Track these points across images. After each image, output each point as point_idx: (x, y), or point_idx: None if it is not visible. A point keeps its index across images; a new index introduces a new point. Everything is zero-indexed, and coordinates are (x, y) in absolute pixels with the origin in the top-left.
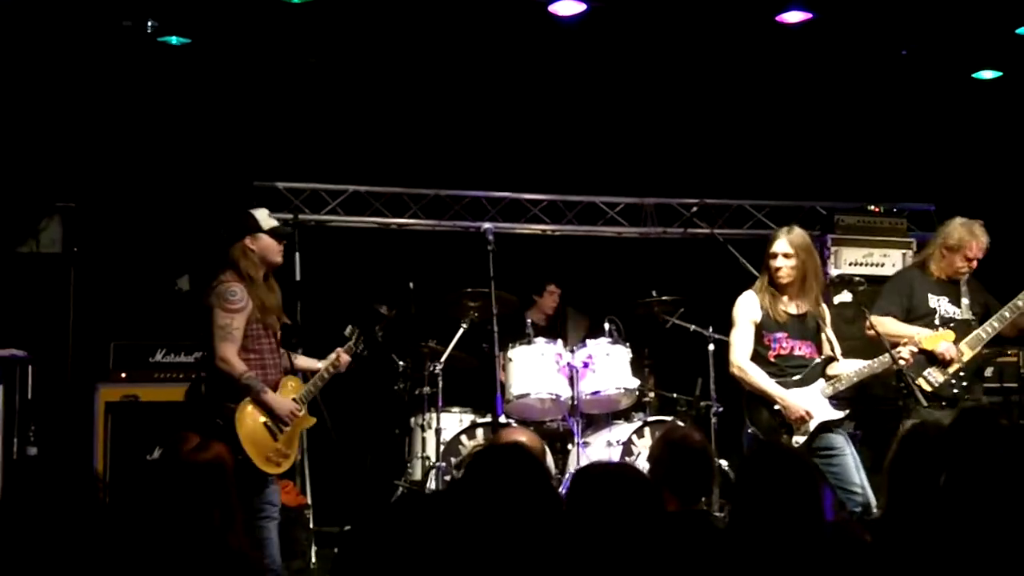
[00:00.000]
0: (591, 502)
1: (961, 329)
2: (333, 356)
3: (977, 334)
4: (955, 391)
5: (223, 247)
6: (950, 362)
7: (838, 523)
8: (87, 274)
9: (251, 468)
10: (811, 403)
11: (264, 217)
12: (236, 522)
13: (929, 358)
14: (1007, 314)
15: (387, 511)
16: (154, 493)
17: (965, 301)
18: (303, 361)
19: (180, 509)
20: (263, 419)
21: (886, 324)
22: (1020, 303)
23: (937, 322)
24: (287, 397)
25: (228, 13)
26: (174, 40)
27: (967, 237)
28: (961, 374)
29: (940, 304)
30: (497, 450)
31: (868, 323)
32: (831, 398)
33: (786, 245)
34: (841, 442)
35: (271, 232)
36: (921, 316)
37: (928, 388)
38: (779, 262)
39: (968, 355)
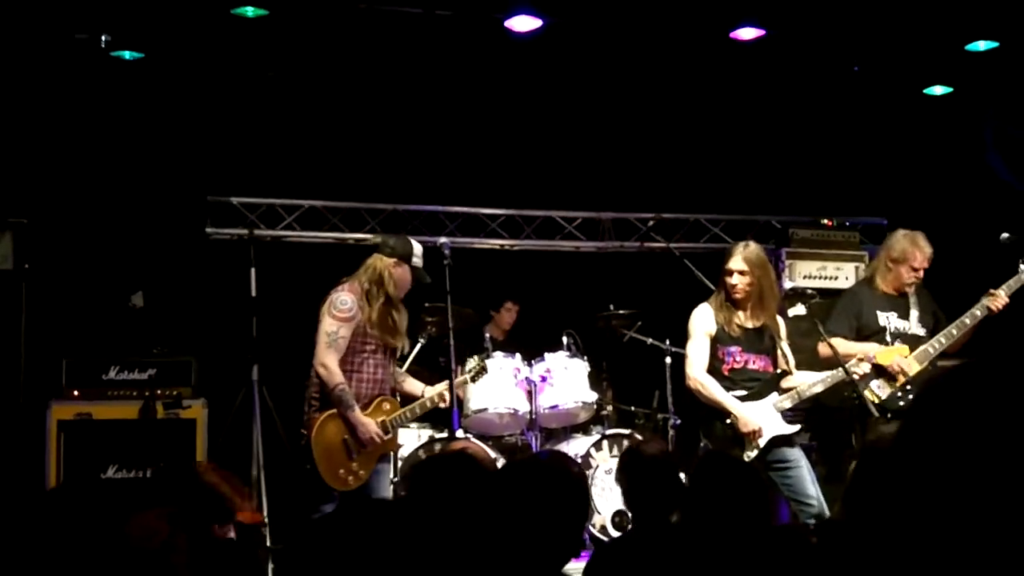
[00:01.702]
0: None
1: (911, 343)
2: (443, 388)
3: (924, 349)
4: (901, 403)
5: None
6: (897, 375)
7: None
8: (39, 290)
9: (317, 480)
10: (764, 417)
11: (418, 254)
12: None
13: (877, 370)
14: (954, 331)
15: (331, 518)
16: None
17: (915, 314)
18: (410, 385)
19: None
20: (344, 435)
21: (835, 346)
22: (967, 320)
23: (888, 339)
24: (377, 418)
25: (182, 27)
26: (128, 54)
27: (910, 248)
28: (908, 387)
29: (890, 320)
30: (439, 460)
31: (821, 343)
32: (784, 411)
33: (741, 262)
34: (795, 455)
35: (415, 270)
36: (873, 333)
37: (875, 400)
38: (735, 279)
39: (915, 369)
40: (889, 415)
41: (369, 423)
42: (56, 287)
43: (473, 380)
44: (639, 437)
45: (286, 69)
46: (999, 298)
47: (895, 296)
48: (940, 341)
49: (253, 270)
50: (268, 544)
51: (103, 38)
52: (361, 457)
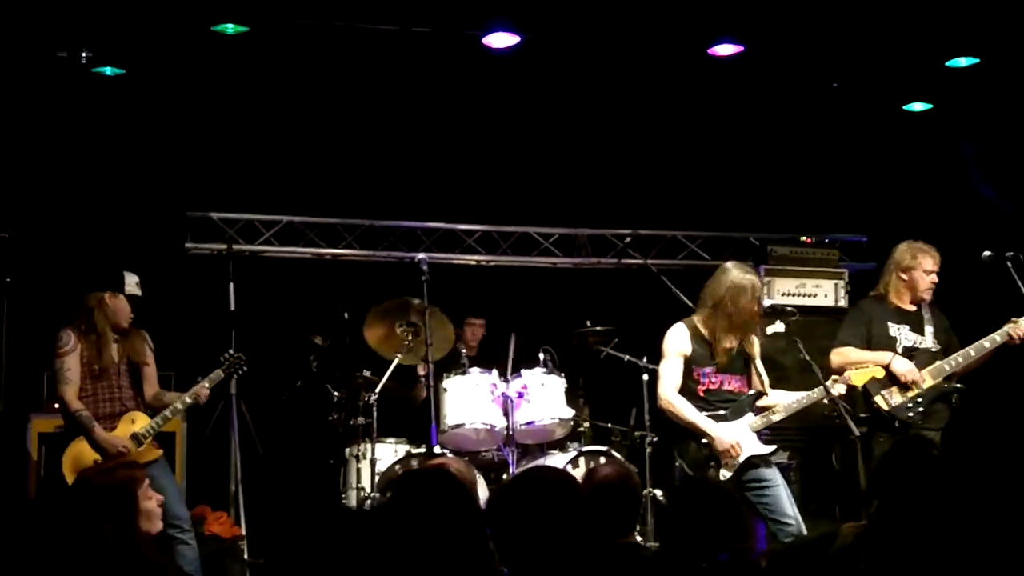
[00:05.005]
0: (515, 512)
1: (924, 358)
2: (195, 388)
3: (940, 365)
4: (910, 415)
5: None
6: (910, 386)
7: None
8: (20, 304)
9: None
10: (740, 437)
11: (131, 283)
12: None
13: (891, 378)
14: (973, 353)
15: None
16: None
17: (930, 329)
18: (170, 398)
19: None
20: (95, 457)
21: (847, 354)
22: (986, 344)
23: (899, 351)
24: (127, 432)
25: (163, 44)
26: (108, 71)
27: (919, 254)
28: (919, 400)
29: (901, 332)
30: (421, 475)
31: (833, 353)
32: (760, 432)
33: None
34: (771, 474)
35: (131, 297)
36: (883, 345)
37: (884, 407)
38: (759, 309)
39: (929, 383)
40: (898, 423)
41: (112, 438)
42: (37, 301)
43: (227, 373)
44: (615, 454)
45: (266, 85)
46: (1020, 328)
47: (909, 311)
48: (957, 360)
49: (232, 285)
50: (246, 557)
51: (84, 54)
52: None
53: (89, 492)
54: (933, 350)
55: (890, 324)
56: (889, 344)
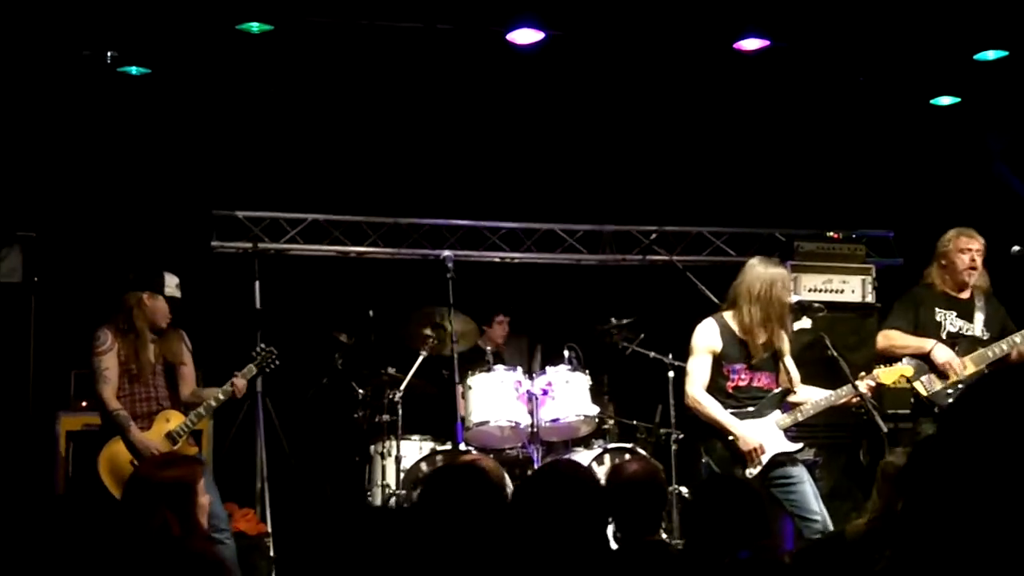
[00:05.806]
0: (539, 504)
1: (968, 345)
2: (228, 383)
3: (983, 352)
4: (949, 401)
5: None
6: (949, 373)
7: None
8: (48, 303)
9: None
10: (765, 435)
11: (171, 285)
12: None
13: (931, 365)
14: (1017, 339)
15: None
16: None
17: (980, 316)
18: (209, 392)
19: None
20: (130, 458)
21: (892, 337)
22: None
23: (944, 336)
24: (162, 431)
25: (188, 43)
26: (134, 70)
27: (955, 235)
28: (960, 387)
29: (947, 318)
30: (452, 470)
31: (879, 335)
32: (787, 428)
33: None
34: (797, 471)
35: (170, 299)
36: (928, 331)
37: (924, 393)
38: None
39: (971, 370)
40: (937, 409)
41: (146, 441)
42: (65, 300)
43: (259, 367)
44: (640, 451)
45: (290, 83)
46: None
47: (958, 298)
48: (1001, 347)
49: (257, 283)
50: (272, 554)
51: (109, 54)
52: None
53: (151, 486)
54: (982, 338)
55: (937, 309)
56: (934, 328)
